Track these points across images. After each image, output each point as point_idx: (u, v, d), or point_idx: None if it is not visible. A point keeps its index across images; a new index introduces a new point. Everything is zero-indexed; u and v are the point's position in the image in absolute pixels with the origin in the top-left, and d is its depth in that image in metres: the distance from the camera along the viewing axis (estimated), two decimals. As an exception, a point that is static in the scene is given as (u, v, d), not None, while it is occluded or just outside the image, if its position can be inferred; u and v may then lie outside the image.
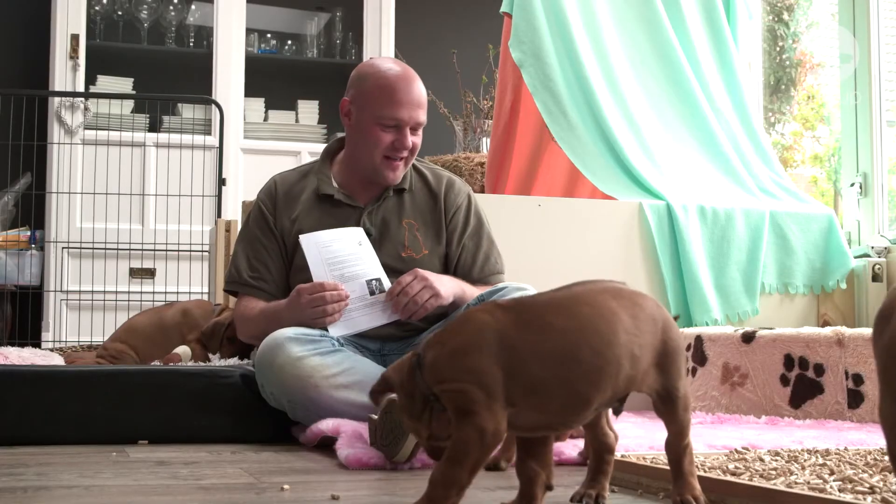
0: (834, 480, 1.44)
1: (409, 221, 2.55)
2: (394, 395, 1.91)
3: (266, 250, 2.55)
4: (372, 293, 2.38)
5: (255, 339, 2.48)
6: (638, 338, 1.33)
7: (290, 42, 5.52)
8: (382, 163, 2.50)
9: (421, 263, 2.52)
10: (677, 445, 1.41)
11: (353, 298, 2.36)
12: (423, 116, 2.51)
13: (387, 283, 2.40)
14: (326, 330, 2.36)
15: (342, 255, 2.37)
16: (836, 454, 1.78)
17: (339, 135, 2.73)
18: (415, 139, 2.51)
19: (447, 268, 2.59)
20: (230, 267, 2.61)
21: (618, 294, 1.38)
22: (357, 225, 2.53)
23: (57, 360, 3.22)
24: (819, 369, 2.76)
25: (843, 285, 3.66)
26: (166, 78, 5.22)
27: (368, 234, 2.52)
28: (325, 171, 2.59)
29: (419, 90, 2.51)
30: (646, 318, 1.36)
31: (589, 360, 1.28)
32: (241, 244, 2.60)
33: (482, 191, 3.80)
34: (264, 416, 2.37)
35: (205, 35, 5.29)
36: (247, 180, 4.98)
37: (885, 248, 3.86)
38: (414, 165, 2.64)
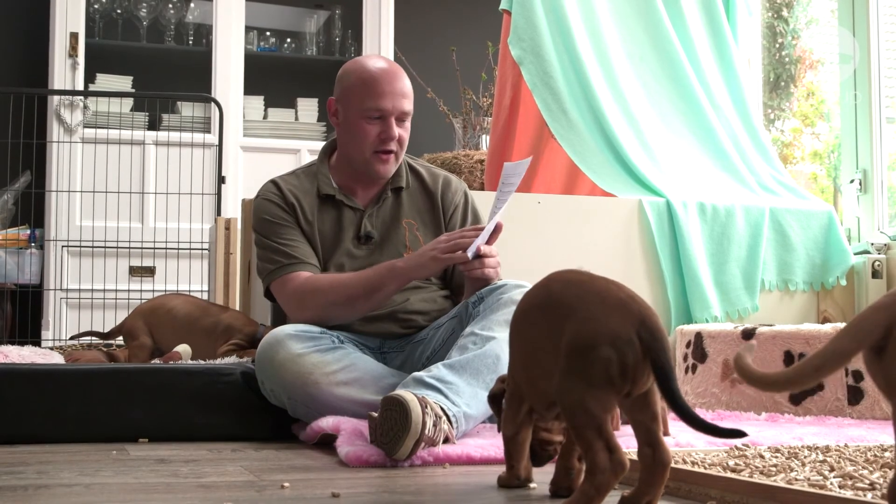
0: (834, 477, 1.44)
1: (408, 221, 2.55)
2: (392, 394, 1.91)
3: (291, 229, 2.48)
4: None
5: (330, 310, 2.38)
6: (540, 333, 1.42)
7: (289, 40, 5.51)
8: (373, 157, 2.49)
9: None
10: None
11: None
12: (408, 106, 2.49)
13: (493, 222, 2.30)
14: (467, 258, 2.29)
15: (509, 190, 2.24)
16: (836, 451, 1.78)
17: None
18: (401, 131, 2.49)
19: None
20: (264, 265, 2.49)
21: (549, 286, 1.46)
22: (359, 228, 2.52)
23: (57, 359, 3.22)
24: (819, 366, 2.75)
25: (843, 282, 3.66)
26: (165, 76, 5.22)
27: (370, 237, 2.52)
28: (323, 171, 2.58)
29: (402, 81, 2.50)
30: (552, 309, 1.39)
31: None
32: (263, 241, 2.50)
33: (482, 188, 3.80)
34: (265, 414, 2.37)
35: (204, 33, 5.29)
36: (246, 178, 4.98)
37: (885, 244, 3.86)
38: (409, 164, 2.63)
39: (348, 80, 2.52)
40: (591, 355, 1.30)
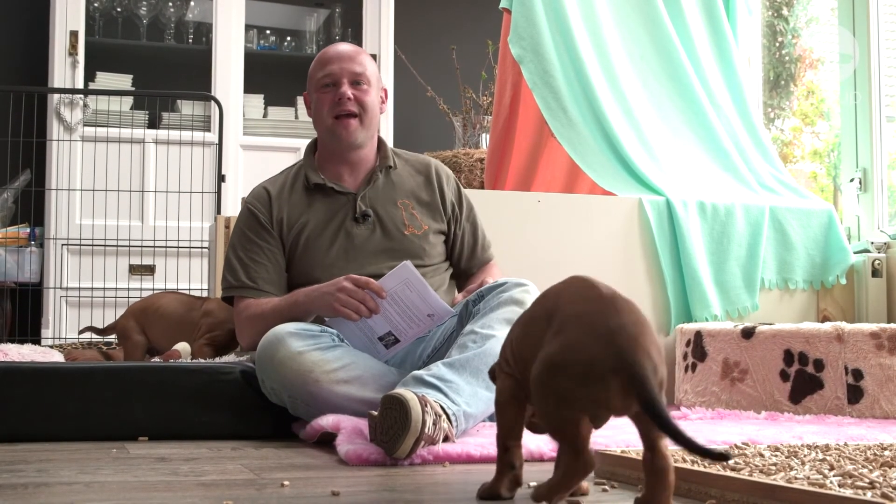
0: (834, 476, 1.44)
1: (403, 202, 2.59)
2: (392, 393, 1.91)
3: (261, 250, 2.54)
4: (381, 339, 2.34)
5: (257, 338, 2.42)
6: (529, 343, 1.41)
7: (289, 38, 5.51)
8: (334, 124, 2.54)
9: (424, 239, 2.57)
10: None
11: (371, 326, 2.33)
12: (358, 69, 2.55)
13: (397, 347, 2.36)
14: (326, 321, 2.37)
15: (404, 301, 2.29)
16: (835, 449, 1.79)
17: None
18: (358, 93, 2.54)
19: (447, 246, 2.66)
20: (224, 274, 2.58)
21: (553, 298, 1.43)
22: (354, 210, 2.54)
23: (57, 357, 3.22)
24: (819, 365, 2.76)
25: (843, 281, 3.66)
26: (165, 74, 5.22)
27: (367, 215, 2.53)
28: (310, 164, 2.62)
29: (353, 51, 2.59)
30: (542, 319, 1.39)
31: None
32: (232, 250, 2.58)
33: (482, 187, 3.80)
34: (265, 413, 2.37)
35: (204, 31, 5.29)
36: (246, 177, 4.99)
37: (885, 243, 3.86)
38: (393, 150, 2.69)
39: (310, 68, 2.62)
40: (553, 380, 1.31)
